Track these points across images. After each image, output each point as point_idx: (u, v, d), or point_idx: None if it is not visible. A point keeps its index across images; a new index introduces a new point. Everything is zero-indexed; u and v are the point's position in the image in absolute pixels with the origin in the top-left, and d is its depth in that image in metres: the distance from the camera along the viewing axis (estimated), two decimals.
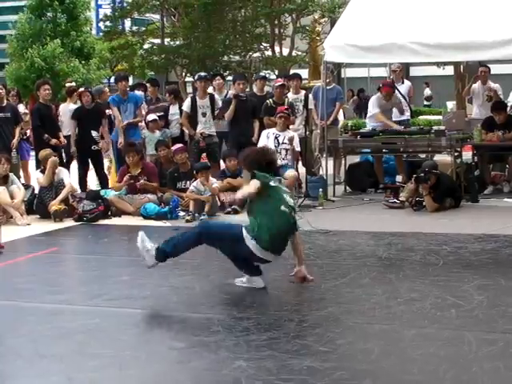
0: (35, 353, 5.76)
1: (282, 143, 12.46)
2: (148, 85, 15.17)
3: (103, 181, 13.70)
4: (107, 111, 13.99)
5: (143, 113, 14.12)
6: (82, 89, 14.06)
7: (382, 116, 13.54)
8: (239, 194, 7.62)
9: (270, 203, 7.13)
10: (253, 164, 7.40)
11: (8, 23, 51.89)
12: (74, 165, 14.11)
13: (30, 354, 5.71)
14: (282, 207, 7.13)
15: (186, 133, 13.85)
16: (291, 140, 12.39)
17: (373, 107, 13.72)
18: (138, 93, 15.27)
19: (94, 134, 13.43)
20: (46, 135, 13.04)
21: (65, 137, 13.71)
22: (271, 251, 7.13)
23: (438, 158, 13.43)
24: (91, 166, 13.87)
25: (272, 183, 7.23)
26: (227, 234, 7.26)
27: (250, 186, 7.11)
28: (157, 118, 13.79)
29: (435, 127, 12.74)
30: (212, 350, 5.57)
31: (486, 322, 6.05)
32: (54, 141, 12.97)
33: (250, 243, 7.05)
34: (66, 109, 14.48)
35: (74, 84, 16.80)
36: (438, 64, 21.56)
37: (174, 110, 14.16)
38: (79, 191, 13.01)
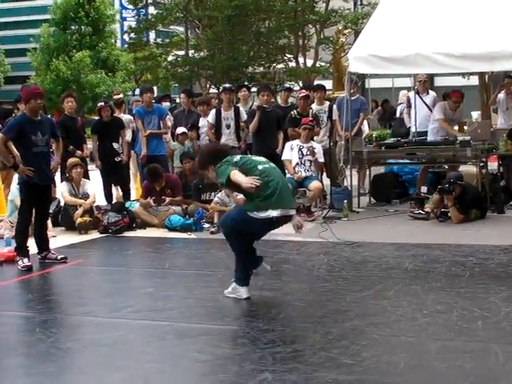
0: (60, 365, 5.78)
1: (306, 155, 12.46)
2: (183, 95, 15.08)
3: (126, 193, 13.70)
4: (132, 124, 14.07)
5: (169, 124, 14.14)
6: (101, 103, 13.99)
7: (444, 123, 13.35)
8: (240, 197, 7.78)
9: (249, 173, 7.16)
10: (212, 161, 7.45)
11: (30, 36, 52.22)
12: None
13: (54, 366, 5.73)
14: (259, 166, 7.25)
15: None
16: (312, 151, 12.39)
17: (437, 113, 13.54)
18: (165, 104, 15.27)
19: (115, 146, 13.45)
20: (72, 147, 13.05)
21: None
22: (275, 205, 7.11)
23: (463, 168, 13.35)
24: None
25: (236, 159, 7.33)
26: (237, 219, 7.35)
27: (238, 180, 7.09)
28: (186, 130, 13.82)
29: (460, 138, 12.66)
30: (237, 363, 5.56)
31: None
32: (78, 152, 12.98)
33: (253, 214, 7.13)
34: None
35: (121, 96, 16.84)
36: (462, 74, 21.48)
37: (203, 121, 14.11)
38: (99, 202, 12.97)
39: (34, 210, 9.59)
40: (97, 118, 14.44)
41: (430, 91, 15.35)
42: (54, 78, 43.32)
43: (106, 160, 13.43)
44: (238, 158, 7.41)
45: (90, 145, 14.27)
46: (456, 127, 13.85)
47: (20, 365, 5.82)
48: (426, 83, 14.96)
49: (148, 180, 12.50)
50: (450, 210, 11.36)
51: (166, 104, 15.60)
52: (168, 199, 12.19)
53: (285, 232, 9.74)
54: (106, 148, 13.45)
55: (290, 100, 15.08)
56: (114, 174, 13.55)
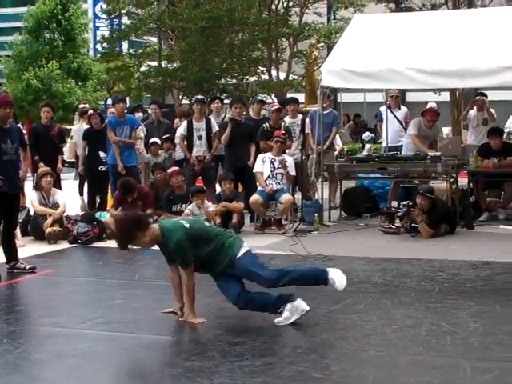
0: (28, 376, 5.73)
1: (278, 167, 12.47)
2: (154, 106, 15.04)
3: (103, 203, 13.65)
4: None
5: (141, 135, 14.10)
6: (90, 111, 14.18)
7: (417, 139, 13.23)
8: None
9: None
10: (139, 228, 6.87)
11: (3, 44, 52.03)
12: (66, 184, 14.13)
13: (22, 377, 5.68)
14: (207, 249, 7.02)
15: None
16: (284, 164, 12.39)
17: (411, 128, 13.53)
18: (138, 115, 15.25)
19: (101, 154, 13.48)
20: (37, 157, 13.03)
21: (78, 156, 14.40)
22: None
23: (433, 183, 13.42)
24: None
25: (187, 226, 6.98)
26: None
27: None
28: (157, 140, 13.80)
29: (431, 153, 12.72)
30: (206, 376, 5.53)
31: (481, 350, 6.03)
32: (41, 164, 12.86)
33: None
34: (79, 130, 14.64)
35: (87, 106, 16.95)
36: (434, 90, 21.65)
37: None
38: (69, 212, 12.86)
39: (2, 219, 9.53)
40: (68, 127, 14.50)
41: (402, 106, 15.47)
42: (24, 87, 43.22)
43: (91, 169, 13.53)
44: (188, 225, 6.99)
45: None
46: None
47: None
48: (397, 98, 15.08)
49: (120, 193, 12.43)
50: (419, 225, 11.41)
51: (139, 115, 15.56)
52: None
53: (256, 245, 9.76)
54: (93, 156, 13.52)
55: (263, 112, 15.06)
56: (97, 183, 13.59)
